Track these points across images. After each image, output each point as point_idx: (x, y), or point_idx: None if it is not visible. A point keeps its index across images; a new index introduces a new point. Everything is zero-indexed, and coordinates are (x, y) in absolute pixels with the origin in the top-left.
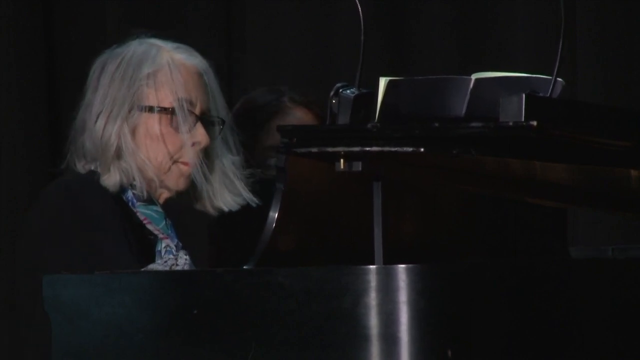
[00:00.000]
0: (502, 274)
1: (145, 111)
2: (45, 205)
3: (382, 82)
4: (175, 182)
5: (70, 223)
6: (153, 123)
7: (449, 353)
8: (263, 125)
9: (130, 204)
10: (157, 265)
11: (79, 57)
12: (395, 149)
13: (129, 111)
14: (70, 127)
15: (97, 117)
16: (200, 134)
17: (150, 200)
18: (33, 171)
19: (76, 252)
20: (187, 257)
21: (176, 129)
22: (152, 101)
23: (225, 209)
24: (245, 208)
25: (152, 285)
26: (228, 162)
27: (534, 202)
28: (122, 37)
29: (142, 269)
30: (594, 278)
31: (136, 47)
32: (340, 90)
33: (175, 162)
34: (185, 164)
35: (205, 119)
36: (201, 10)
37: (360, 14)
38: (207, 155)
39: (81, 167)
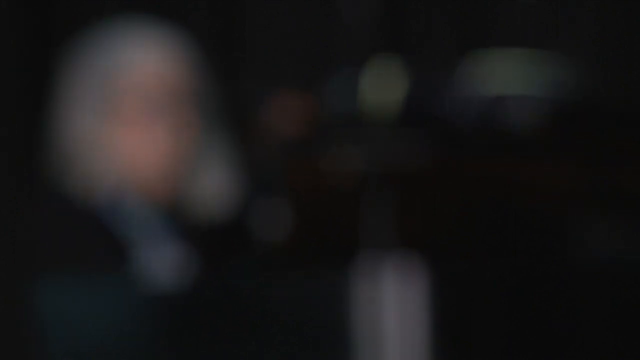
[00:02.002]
0: (502, 274)
1: (110, 114)
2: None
3: (377, 69)
4: (148, 188)
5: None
6: (117, 127)
7: (449, 354)
8: (257, 120)
9: (106, 207)
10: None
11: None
12: (396, 149)
13: (98, 112)
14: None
15: (68, 115)
16: (162, 140)
17: (134, 202)
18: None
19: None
20: (168, 255)
21: (140, 134)
22: (115, 105)
23: (208, 216)
24: (244, 208)
25: (152, 285)
26: (211, 167)
27: (535, 203)
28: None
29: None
30: (594, 279)
31: (105, 41)
32: (338, 87)
33: (144, 167)
34: (150, 170)
35: (177, 122)
36: (201, 10)
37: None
38: (186, 160)
39: (56, 165)
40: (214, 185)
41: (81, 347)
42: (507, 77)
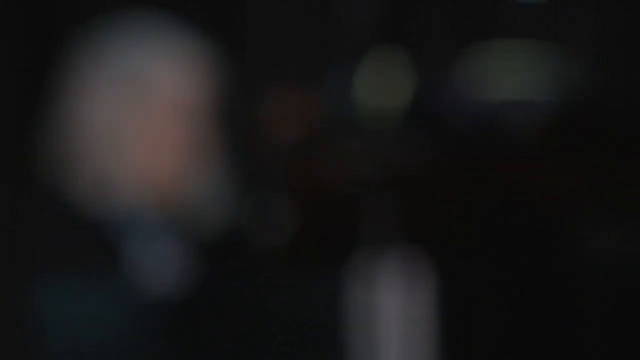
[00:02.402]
0: (503, 274)
1: (121, 116)
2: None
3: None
4: (152, 190)
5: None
6: (127, 129)
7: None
8: (257, 120)
9: (108, 208)
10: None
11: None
12: (397, 149)
13: (107, 112)
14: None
15: (76, 115)
16: (171, 143)
17: (137, 204)
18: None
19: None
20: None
21: (150, 137)
22: (125, 108)
23: (209, 217)
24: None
25: (151, 285)
26: (213, 168)
27: (535, 203)
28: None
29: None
30: (594, 278)
31: (121, 42)
32: (338, 87)
33: (150, 170)
34: (156, 173)
35: (188, 126)
36: (201, 10)
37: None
38: (191, 162)
39: (58, 165)
40: (215, 187)
41: (81, 347)
42: (507, 77)
